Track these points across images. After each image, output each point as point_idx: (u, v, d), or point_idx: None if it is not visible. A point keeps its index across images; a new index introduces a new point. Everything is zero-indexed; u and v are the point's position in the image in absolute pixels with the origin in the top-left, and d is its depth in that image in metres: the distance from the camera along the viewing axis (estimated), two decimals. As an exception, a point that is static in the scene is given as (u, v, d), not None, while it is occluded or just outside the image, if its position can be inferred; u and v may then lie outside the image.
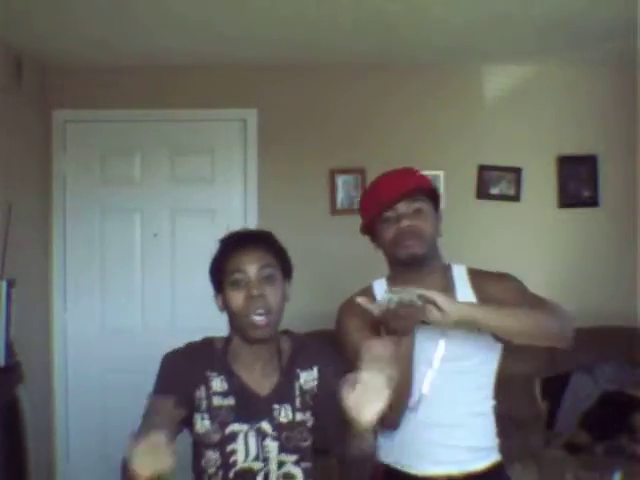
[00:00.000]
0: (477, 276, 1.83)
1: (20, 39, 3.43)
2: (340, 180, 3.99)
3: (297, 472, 1.65)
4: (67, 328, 3.99)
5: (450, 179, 3.99)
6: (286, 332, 1.75)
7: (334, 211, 4.00)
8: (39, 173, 3.89)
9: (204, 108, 3.99)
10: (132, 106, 3.97)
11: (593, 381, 3.57)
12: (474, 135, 4.02)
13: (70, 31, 3.38)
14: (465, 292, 1.80)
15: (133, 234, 3.94)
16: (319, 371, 1.70)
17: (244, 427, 1.63)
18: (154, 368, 1.68)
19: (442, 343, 1.75)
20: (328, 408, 1.61)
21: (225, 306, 1.65)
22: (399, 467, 1.80)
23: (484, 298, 1.77)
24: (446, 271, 1.85)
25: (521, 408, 3.64)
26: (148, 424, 1.50)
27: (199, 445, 1.64)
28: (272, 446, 1.63)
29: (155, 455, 1.28)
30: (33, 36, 3.42)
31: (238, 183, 4.03)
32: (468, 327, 1.67)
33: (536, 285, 1.87)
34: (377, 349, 1.47)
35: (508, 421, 3.54)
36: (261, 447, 1.63)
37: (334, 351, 1.76)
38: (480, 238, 3.96)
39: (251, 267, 1.63)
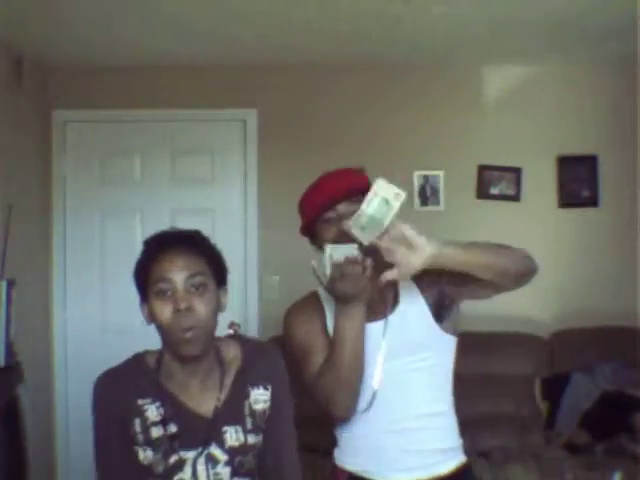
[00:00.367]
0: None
1: (20, 39, 3.43)
2: (340, 180, 3.99)
3: None
4: (67, 328, 3.99)
5: (450, 179, 3.99)
6: (233, 336, 1.61)
7: (334, 211, 3.99)
8: (39, 173, 3.89)
9: (204, 108, 3.99)
10: (132, 106, 3.97)
11: (593, 381, 3.57)
12: (474, 135, 4.02)
13: (70, 31, 3.38)
14: (409, 290, 1.74)
15: (133, 234, 3.94)
16: (273, 392, 1.54)
17: (191, 454, 1.46)
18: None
19: (384, 343, 1.70)
20: (276, 428, 1.53)
21: (151, 319, 1.47)
22: (364, 474, 1.75)
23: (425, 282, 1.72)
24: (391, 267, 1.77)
25: (521, 408, 3.64)
26: (114, 471, 1.46)
27: (143, 474, 1.47)
28: (224, 473, 1.48)
29: None
30: (33, 36, 3.42)
31: (238, 183, 4.03)
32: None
33: (536, 285, 1.86)
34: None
35: (508, 421, 3.56)
36: (212, 474, 1.47)
37: (285, 360, 1.62)
38: (480, 238, 3.91)
39: (178, 275, 1.43)
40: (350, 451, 1.78)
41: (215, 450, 1.47)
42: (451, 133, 4.01)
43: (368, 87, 4.03)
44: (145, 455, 1.46)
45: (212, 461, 1.47)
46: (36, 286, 3.80)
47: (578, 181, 4.04)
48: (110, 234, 4.00)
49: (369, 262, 1.57)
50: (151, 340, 1.55)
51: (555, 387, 3.67)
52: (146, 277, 1.48)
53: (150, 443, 1.46)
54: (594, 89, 4.04)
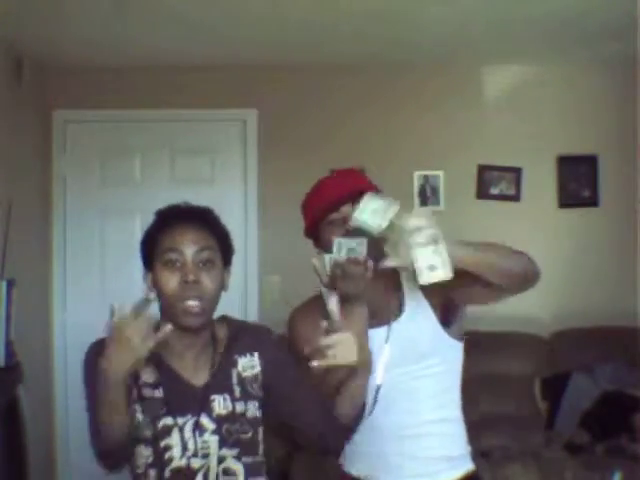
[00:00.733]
0: None
1: (20, 39, 3.43)
2: (340, 180, 3.99)
3: (238, 467, 1.50)
4: (67, 328, 3.99)
5: (450, 179, 3.99)
6: (224, 318, 1.61)
7: (334, 211, 3.99)
8: (39, 173, 3.89)
9: (204, 108, 3.99)
10: (132, 106, 3.97)
11: (593, 381, 3.57)
12: (474, 135, 4.02)
13: (70, 31, 3.38)
14: (414, 295, 1.72)
15: (133, 234, 3.92)
16: (261, 356, 1.56)
17: (179, 421, 1.47)
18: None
19: (387, 347, 1.67)
20: (300, 395, 1.54)
21: (155, 287, 1.48)
22: None
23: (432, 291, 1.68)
24: (396, 273, 1.75)
25: (521, 408, 3.64)
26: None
27: (131, 439, 1.48)
28: (212, 440, 1.48)
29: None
30: (33, 36, 3.42)
31: (238, 183, 4.03)
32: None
33: (535, 285, 1.84)
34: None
35: (508, 421, 3.56)
36: (200, 442, 1.47)
37: (276, 335, 1.65)
38: (480, 238, 3.94)
39: (189, 248, 1.46)
40: (356, 457, 1.77)
41: (203, 419, 1.48)
42: (451, 133, 4.01)
43: (368, 87, 4.03)
44: (136, 416, 1.47)
45: (200, 429, 1.48)
46: (36, 286, 3.80)
47: (578, 181, 4.04)
48: (110, 234, 4.01)
49: (370, 263, 1.56)
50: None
51: (555, 387, 3.67)
52: (155, 246, 1.49)
53: (141, 402, 1.48)
54: (594, 89, 4.04)
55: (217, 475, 1.48)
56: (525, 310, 3.84)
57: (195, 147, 4.03)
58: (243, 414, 1.52)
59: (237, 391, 1.52)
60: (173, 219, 1.51)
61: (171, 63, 3.89)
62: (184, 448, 1.46)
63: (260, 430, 1.55)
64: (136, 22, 3.26)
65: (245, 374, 1.54)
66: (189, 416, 1.48)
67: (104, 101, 3.95)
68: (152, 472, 1.47)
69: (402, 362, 1.69)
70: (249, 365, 1.55)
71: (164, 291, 1.46)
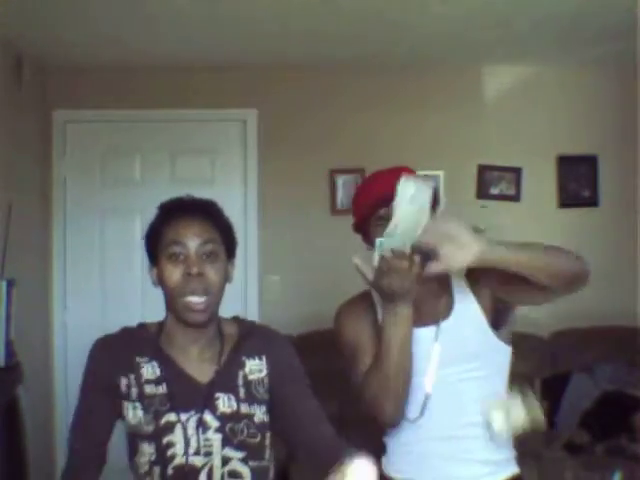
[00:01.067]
0: (472, 272, 1.69)
1: (20, 39, 3.43)
2: (340, 180, 3.99)
3: (244, 471, 1.48)
4: (67, 328, 3.99)
5: (450, 179, 3.99)
6: (235, 318, 1.60)
7: (334, 211, 3.99)
8: (39, 173, 3.89)
9: (204, 108, 3.99)
10: (132, 106, 3.97)
11: (593, 381, 3.57)
12: (474, 135, 4.02)
13: (70, 31, 3.38)
14: (464, 296, 1.70)
15: (133, 235, 3.93)
16: (268, 361, 1.53)
17: (182, 417, 1.45)
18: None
19: (436, 347, 1.65)
20: (301, 409, 1.52)
21: (159, 282, 1.48)
22: None
23: (483, 290, 1.67)
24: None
25: (521, 408, 3.64)
26: (84, 426, 1.50)
27: (133, 437, 1.48)
28: (215, 438, 1.46)
29: None
30: (33, 36, 3.42)
31: (238, 183, 4.03)
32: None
33: (586, 284, 1.81)
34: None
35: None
36: (202, 440, 1.45)
37: (287, 339, 1.63)
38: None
39: (192, 241, 1.45)
40: (397, 459, 1.74)
41: (207, 416, 1.47)
42: (451, 133, 4.01)
43: (368, 87, 4.03)
44: (135, 414, 1.46)
45: (203, 426, 1.46)
46: (36, 286, 3.80)
47: (578, 181, 4.04)
48: (110, 234, 4.01)
49: (417, 258, 1.53)
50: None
51: (555, 387, 3.67)
52: (159, 240, 1.48)
53: (142, 400, 1.46)
54: (594, 89, 4.04)
55: (222, 477, 1.46)
56: (525, 310, 3.84)
57: (195, 147, 4.03)
58: (249, 417, 1.50)
59: (242, 392, 1.50)
60: (176, 212, 1.49)
61: (171, 63, 3.89)
62: (187, 445, 1.45)
63: (268, 435, 1.53)
64: (136, 22, 3.26)
65: (251, 377, 1.52)
66: (192, 412, 1.46)
67: (104, 101, 3.95)
68: (156, 469, 1.45)
69: (449, 362, 1.66)
70: (256, 368, 1.53)
71: (167, 284, 1.45)
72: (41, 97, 3.89)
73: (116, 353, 1.49)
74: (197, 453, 1.45)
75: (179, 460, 1.45)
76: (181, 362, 1.49)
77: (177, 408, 1.46)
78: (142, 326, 1.56)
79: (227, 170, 4.04)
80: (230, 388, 1.50)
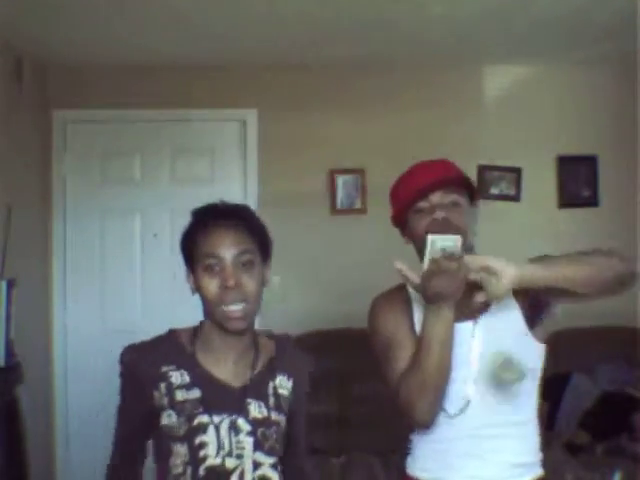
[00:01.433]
0: None
1: (20, 39, 3.43)
2: (340, 180, 3.99)
3: (274, 476, 1.51)
4: (67, 328, 3.99)
5: (450, 179, 3.98)
6: (273, 334, 1.63)
7: (334, 211, 3.99)
8: (39, 173, 3.89)
9: (204, 108, 3.99)
10: (132, 106, 3.97)
11: (593, 381, 3.57)
12: (474, 135, 4.02)
13: (70, 31, 3.38)
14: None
15: (133, 234, 3.94)
16: (295, 385, 1.58)
17: (215, 419, 1.47)
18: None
19: (476, 342, 1.64)
20: (299, 425, 1.60)
21: (197, 289, 1.49)
22: None
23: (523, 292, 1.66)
24: None
25: (521, 408, 3.64)
26: (122, 437, 1.53)
27: (164, 439, 1.48)
28: (247, 442, 1.48)
29: None
30: (33, 36, 3.42)
31: (238, 183, 4.03)
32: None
33: (635, 285, 1.80)
34: None
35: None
36: (235, 442, 1.47)
37: (313, 363, 1.66)
38: (480, 238, 3.94)
39: (227, 252, 1.45)
40: (424, 457, 1.71)
41: (239, 419, 1.48)
42: (451, 133, 4.01)
43: (368, 87, 4.03)
44: (169, 420, 1.47)
45: (235, 429, 1.47)
46: (36, 286, 3.80)
47: (578, 181, 4.04)
48: (110, 234, 4.00)
49: (465, 260, 1.53)
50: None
51: (555, 387, 3.67)
52: (194, 248, 1.48)
53: (174, 406, 1.47)
54: (594, 89, 4.04)
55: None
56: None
57: (195, 147, 4.04)
58: (278, 424, 1.53)
59: (272, 401, 1.53)
60: (210, 220, 1.49)
61: (171, 63, 3.89)
62: (219, 446, 1.46)
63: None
64: (136, 22, 3.26)
65: (280, 390, 1.55)
66: (225, 415, 1.48)
67: (104, 101, 3.95)
68: (188, 470, 1.46)
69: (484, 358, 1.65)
70: (285, 385, 1.56)
71: (205, 295, 1.46)
72: (41, 97, 3.89)
73: (145, 363, 1.50)
74: (229, 455, 1.46)
75: (211, 461, 1.46)
76: (214, 367, 1.51)
77: (210, 410, 1.47)
78: (172, 332, 1.56)
79: (227, 170, 4.04)
80: (261, 395, 1.52)
